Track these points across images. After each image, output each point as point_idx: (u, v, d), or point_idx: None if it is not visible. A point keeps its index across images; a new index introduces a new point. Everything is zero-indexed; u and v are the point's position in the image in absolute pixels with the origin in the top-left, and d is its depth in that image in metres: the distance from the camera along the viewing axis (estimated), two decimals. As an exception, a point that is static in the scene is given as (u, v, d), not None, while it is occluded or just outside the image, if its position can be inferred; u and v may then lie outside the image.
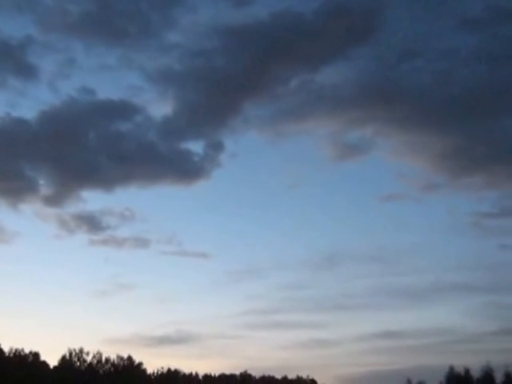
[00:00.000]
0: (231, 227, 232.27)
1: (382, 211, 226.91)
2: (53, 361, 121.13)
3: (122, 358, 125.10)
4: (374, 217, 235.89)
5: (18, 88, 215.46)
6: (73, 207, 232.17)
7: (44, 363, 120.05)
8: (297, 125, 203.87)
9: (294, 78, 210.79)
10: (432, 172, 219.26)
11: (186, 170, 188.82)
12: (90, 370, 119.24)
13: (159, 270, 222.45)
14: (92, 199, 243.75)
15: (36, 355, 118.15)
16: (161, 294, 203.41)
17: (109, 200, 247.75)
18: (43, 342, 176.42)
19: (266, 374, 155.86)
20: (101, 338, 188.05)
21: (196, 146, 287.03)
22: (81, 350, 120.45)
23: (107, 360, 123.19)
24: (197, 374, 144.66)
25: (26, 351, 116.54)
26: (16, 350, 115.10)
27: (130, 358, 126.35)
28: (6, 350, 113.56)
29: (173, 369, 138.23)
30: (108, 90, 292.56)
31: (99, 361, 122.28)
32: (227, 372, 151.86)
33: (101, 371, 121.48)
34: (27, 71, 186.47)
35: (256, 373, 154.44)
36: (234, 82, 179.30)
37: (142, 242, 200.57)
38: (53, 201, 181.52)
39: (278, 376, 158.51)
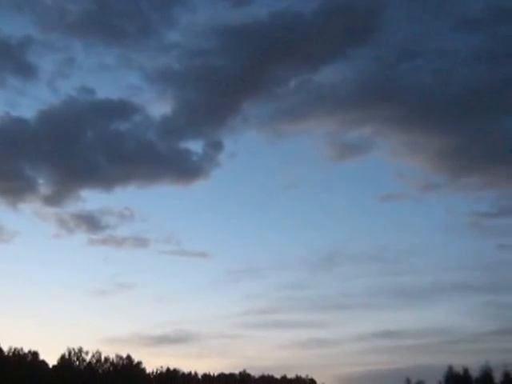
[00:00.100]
0: (230, 227, 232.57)
1: (381, 211, 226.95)
2: (52, 360, 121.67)
3: (121, 358, 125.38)
4: (373, 217, 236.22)
5: (17, 87, 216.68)
6: (72, 207, 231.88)
7: (43, 362, 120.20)
8: (296, 125, 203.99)
9: (294, 77, 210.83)
10: (431, 172, 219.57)
11: (185, 169, 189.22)
12: (89, 369, 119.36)
13: (158, 269, 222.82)
14: (91, 199, 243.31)
15: (35, 354, 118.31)
16: (160, 293, 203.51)
17: (108, 199, 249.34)
18: (42, 341, 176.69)
19: (266, 373, 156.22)
20: (100, 338, 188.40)
21: (195, 146, 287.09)
22: (80, 350, 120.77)
23: (106, 359, 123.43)
24: (196, 374, 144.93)
25: (26, 350, 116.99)
26: (15, 350, 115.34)
27: (129, 357, 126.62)
28: (6, 349, 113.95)
29: (172, 368, 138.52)
30: (107, 89, 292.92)
31: (98, 360, 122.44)
32: (226, 371, 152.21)
33: (100, 370, 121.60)
34: (27, 71, 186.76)
35: (255, 372, 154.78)
36: (233, 81, 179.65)
37: (141, 242, 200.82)
38: (52, 200, 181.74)
39: (278, 375, 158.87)
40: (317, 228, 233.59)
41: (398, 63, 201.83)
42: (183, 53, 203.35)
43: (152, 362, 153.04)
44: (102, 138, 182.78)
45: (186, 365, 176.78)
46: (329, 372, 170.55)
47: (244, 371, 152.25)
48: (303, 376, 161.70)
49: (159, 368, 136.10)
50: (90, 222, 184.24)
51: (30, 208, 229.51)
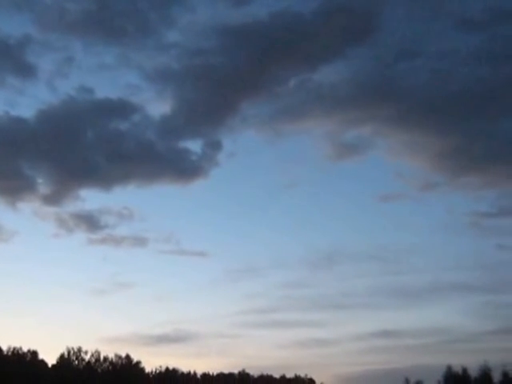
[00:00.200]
0: (229, 226, 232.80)
1: (380, 211, 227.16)
2: (51, 359, 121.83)
3: (120, 357, 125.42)
4: (372, 216, 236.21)
5: (16, 87, 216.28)
6: (71, 206, 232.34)
7: (42, 362, 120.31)
8: (295, 124, 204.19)
9: (293, 77, 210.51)
10: (430, 172, 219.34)
11: (184, 169, 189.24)
12: (88, 368, 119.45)
13: (157, 268, 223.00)
14: (90, 198, 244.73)
15: (34, 354, 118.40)
16: (159, 292, 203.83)
17: (107, 199, 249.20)
18: (42, 340, 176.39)
19: (265, 372, 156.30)
20: (99, 337, 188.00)
21: (194, 145, 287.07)
22: (79, 349, 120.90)
23: (105, 359, 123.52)
24: (195, 373, 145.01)
25: (25, 350, 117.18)
26: (14, 349, 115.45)
27: (128, 356, 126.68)
28: (5, 348, 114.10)
29: (171, 368, 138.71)
30: (106, 88, 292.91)
31: (97, 359, 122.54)
32: (225, 371, 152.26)
33: (99, 370, 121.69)
34: (26, 70, 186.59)
35: (254, 372, 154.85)
36: (232, 81, 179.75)
37: (140, 241, 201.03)
38: (51, 200, 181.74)
39: (277, 375, 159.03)
40: (316, 228, 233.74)
41: (397, 63, 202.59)
42: (182, 52, 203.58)
43: (151, 361, 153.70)
44: (101, 138, 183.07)
45: (185, 364, 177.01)
46: (328, 371, 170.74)
47: (243, 371, 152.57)
48: (302, 375, 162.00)
49: (158, 367, 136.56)
50: (90, 221, 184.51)
51: (29, 207, 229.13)
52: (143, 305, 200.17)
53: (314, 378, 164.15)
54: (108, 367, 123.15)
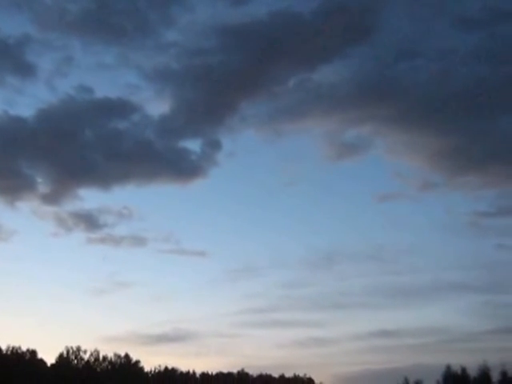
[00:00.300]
0: (229, 226, 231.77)
1: (379, 210, 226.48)
2: (50, 359, 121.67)
3: (119, 356, 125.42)
4: (371, 216, 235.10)
5: (15, 86, 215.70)
6: (70, 205, 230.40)
7: (41, 361, 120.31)
8: (294, 124, 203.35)
9: (292, 76, 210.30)
10: (429, 171, 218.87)
11: (183, 168, 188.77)
12: (87, 367, 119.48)
13: (157, 268, 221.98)
14: (89, 197, 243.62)
15: (33, 353, 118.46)
16: (158, 292, 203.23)
17: (106, 198, 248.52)
18: (41, 339, 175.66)
19: (264, 372, 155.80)
20: (98, 336, 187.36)
21: (193, 145, 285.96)
22: (78, 348, 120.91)
23: (104, 358, 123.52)
24: (194, 373, 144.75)
25: (24, 349, 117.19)
26: (13, 348, 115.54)
27: (127, 356, 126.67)
28: (4, 347, 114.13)
29: (170, 367, 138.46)
30: (106, 88, 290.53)
31: (96, 359, 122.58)
32: (224, 370, 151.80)
33: (98, 369, 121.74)
34: (25, 69, 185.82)
35: (253, 371, 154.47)
36: (231, 80, 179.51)
37: (139, 241, 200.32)
38: (50, 199, 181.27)
39: (276, 374, 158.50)
40: (315, 227, 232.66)
41: (396, 62, 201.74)
42: (182, 52, 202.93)
43: (150, 360, 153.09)
44: (100, 137, 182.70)
45: (184, 364, 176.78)
46: (327, 371, 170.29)
47: (242, 370, 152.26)
48: (301, 375, 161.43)
49: (157, 367, 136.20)
50: (89, 220, 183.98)
51: (28, 206, 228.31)
52: (142, 304, 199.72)
53: (313, 377, 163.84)
54: (107, 366, 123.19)
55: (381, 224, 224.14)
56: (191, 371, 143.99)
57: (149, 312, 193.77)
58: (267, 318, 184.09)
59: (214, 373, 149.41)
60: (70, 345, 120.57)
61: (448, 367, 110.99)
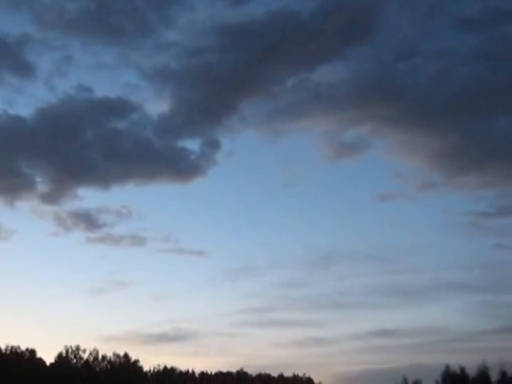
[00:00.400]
0: (228, 225, 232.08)
1: (378, 210, 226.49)
2: (49, 358, 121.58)
3: (118, 356, 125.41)
4: (370, 215, 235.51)
5: (14, 85, 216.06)
6: (69, 205, 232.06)
7: (40, 360, 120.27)
8: (293, 123, 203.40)
9: (291, 76, 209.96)
10: (428, 171, 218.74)
11: (182, 168, 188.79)
12: (86, 367, 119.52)
13: (156, 267, 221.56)
14: (89, 197, 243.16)
15: (32, 352, 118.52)
16: (157, 291, 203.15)
17: (105, 198, 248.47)
18: (40, 339, 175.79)
19: (263, 371, 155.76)
20: (97, 336, 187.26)
21: (192, 144, 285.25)
22: (77, 348, 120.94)
23: (104, 357, 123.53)
24: (193, 372, 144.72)
25: (23, 348, 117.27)
26: (12, 347, 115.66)
27: (126, 355, 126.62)
28: (3, 347, 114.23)
29: (169, 366, 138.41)
30: (105, 87, 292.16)
31: (96, 358, 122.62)
32: (224, 370, 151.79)
33: (97, 368, 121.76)
34: (24, 69, 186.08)
35: (252, 371, 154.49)
36: (230, 80, 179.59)
37: (138, 240, 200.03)
38: (49, 198, 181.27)
39: (275, 374, 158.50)
40: (314, 227, 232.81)
41: (395, 62, 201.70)
42: (181, 51, 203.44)
43: (149, 360, 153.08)
44: (99, 137, 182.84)
45: (184, 363, 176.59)
46: (326, 370, 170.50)
47: (241, 369, 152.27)
48: (300, 374, 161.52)
49: (156, 366, 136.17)
50: (88, 220, 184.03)
51: (27, 206, 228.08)
52: (141, 303, 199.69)
53: (312, 377, 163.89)
54: (106, 366, 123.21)
55: (380, 224, 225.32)
56: (190, 371, 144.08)
57: (148, 311, 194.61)
58: (266, 318, 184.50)
59: (213, 372, 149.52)
60: (69, 344, 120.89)
61: (447, 367, 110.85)
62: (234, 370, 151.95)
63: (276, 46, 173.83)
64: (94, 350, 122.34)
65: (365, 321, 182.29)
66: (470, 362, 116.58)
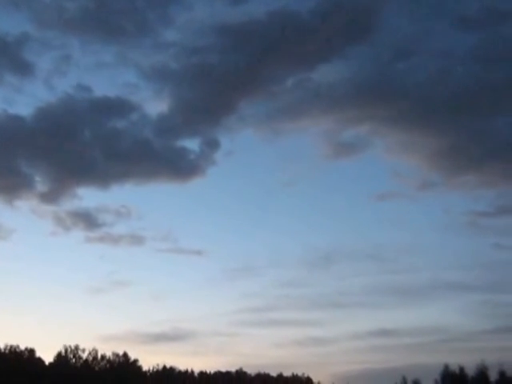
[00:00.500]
0: (227, 225, 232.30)
1: (377, 210, 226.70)
2: (48, 357, 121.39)
3: (117, 355, 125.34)
4: (369, 215, 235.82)
5: (14, 85, 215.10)
6: (69, 204, 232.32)
7: (39, 360, 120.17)
8: (293, 123, 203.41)
9: (291, 76, 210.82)
10: (427, 171, 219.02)
11: (181, 167, 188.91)
12: (85, 366, 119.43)
13: (155, 267, 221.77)
14: (88, 196, 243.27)
15: (32, 352, 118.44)
16: (156, 291, 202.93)
17: (105, 197, 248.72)
18: (39, 338, 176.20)
19: (262, 371, 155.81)
20: (96, 335, 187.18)
21: (192, 144, 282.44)
22: (76, 347, 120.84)
23: (103, 357, 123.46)
24: (192, 371, 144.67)
25: (22, 348, 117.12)
26: (11, 347, 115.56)
27: (125, 354, 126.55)
28: (2, 346, 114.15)
29: (168, 366, 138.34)
30: (104, 87, 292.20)
31: (95, 358, 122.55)
32: (223, 369, 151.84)
33: (96, 368, 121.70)
34: (23, 68, 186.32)
35: (251, 370, 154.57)
36: (230, 80, 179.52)
37: (137, 240, 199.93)
38: (49, 198, 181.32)
39: (274, 374, 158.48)
40: (313, 226, 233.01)
41: (394, 62, 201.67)
42: (180, 51, 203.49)
43: (148, 359, 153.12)
44: (98, 136, 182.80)
45: (183, 362, 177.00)
46: (325, 370, 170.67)
47: (240, 369, 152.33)
48: (300, 374, 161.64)
49: (156, 366, 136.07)
50: (87, 219, 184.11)
51: (26, 205, 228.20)
52: (140, 303, 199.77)
53: (312, 376, 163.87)
54: (105, 365, 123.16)
55: (379, 223, 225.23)
56: (189, 370, 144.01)
57: (147, 311, 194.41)
58: (265, 317, 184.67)
59: (212, 372, 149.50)
60: (68, 344, 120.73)
61: (446, 366, 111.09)
62: (233, 369, 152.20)
63: (275, 46, 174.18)
64: (93, 350, 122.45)
65: (364, 320, 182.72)
66: (469, 361, 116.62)
